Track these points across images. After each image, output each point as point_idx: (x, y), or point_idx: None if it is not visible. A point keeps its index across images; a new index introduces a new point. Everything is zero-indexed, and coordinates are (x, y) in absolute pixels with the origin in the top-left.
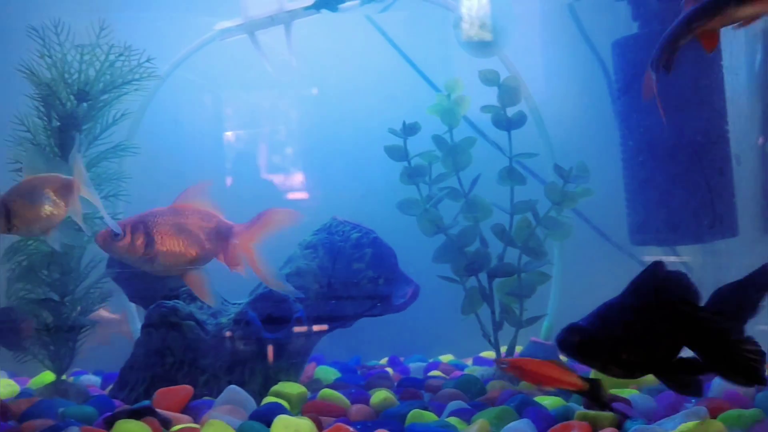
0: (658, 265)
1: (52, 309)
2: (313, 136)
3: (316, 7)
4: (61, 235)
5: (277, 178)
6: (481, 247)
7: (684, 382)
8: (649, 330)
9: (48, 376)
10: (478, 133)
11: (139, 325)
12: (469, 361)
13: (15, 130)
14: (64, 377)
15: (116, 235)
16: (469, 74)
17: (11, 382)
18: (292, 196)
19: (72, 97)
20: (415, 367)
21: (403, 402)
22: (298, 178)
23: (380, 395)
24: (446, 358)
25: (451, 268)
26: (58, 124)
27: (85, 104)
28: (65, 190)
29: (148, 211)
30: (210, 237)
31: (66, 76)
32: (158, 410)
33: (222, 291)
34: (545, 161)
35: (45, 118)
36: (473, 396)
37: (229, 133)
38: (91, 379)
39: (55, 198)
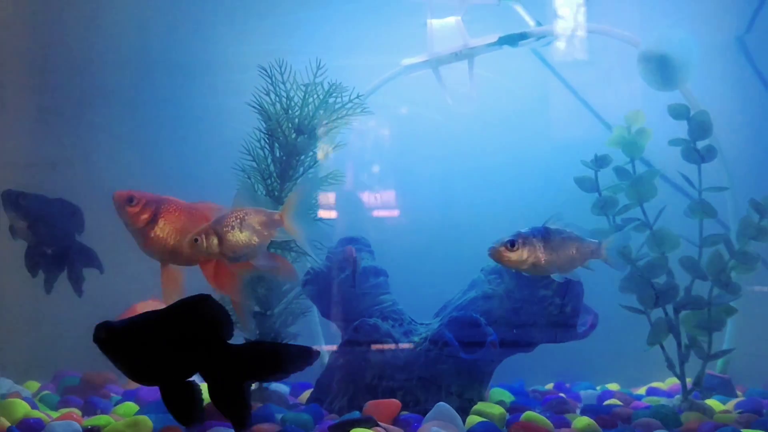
0: (206, 297)
1: (258, 321)
2: (493, 164)
3: (498, 43)
4: (263, 261)
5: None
6: (669, 279)
7: (183, 407)
8: (169, 347)
9: None
10: (646, 164)
11: (323, 341)
12: (641, 391)
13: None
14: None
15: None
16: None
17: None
18: (473, 219)
19: (292, 131)
20: (585, 394)
21: (606, 430)
22: (480, 203)
23: (583, 421)
24: (613, 386)
25: (637, 299)
26: (280, 154)
27: (303, 137)
28: (270, 223)
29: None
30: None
31: (289, 111)
32: (379, 422)
33: (409, 310)
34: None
35: (268, 148)
36: (670, 426)
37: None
38: (281, 387)
39: (260, 229)
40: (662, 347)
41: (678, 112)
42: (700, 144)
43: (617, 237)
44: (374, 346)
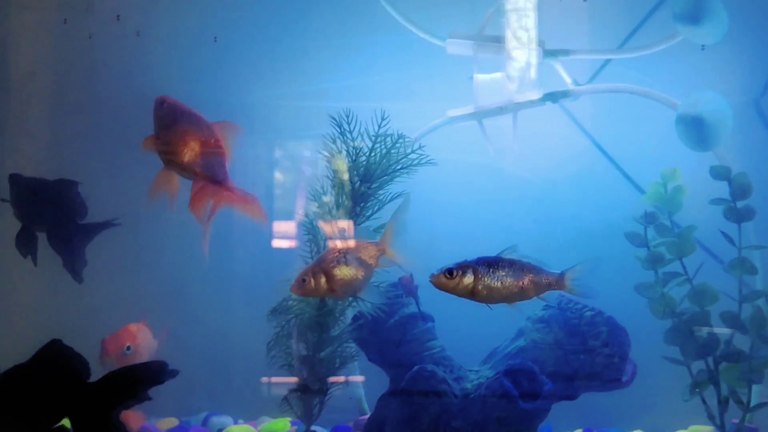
0: (55, 342)
1: (309, 365)
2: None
3: (542, 100)
4: (369, 295)
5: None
6: (711, 332)
7: None
8: (30, 398)
9: (278, 424)
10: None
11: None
12: None
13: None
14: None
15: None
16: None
17: (249, 428)
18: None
19: (357, 179)
20: None
21: None
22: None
23: None
24: None
25: (680, 351)
26: (347, 201)
27: (367, 185)
28: (373, 253)
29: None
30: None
31: (357, 160)
32: None
33: (455, 355)
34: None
35: (335, 194)
36: None
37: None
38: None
39: (364, 260)
40: (702, 398)
41: (719, 173)
42: (740, 204)
43: (582, 268)
44: (431, 393)
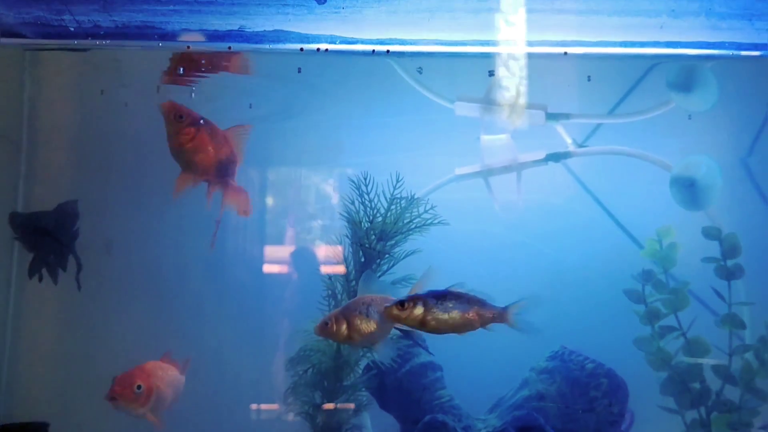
0: None
1: (327, 415)
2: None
3: (545, 160)
4: (385, 348)
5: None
6: (704, 384)
7: None
8: None
9: None
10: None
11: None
12: None
13: None
14: None
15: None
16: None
17: None
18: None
19: (374, 238)
20: None
21: None
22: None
23: None
24: None
25: (675, 401)
26: (362, 258)
27: (383, 243)
28: None
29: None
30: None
31: (372, 220)
32: None
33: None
34: None
35: (352, 252)
36: None
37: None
38: None
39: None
40: None
41: (711, 234)
42: (730, 262)
43: (524, 304)
44: None
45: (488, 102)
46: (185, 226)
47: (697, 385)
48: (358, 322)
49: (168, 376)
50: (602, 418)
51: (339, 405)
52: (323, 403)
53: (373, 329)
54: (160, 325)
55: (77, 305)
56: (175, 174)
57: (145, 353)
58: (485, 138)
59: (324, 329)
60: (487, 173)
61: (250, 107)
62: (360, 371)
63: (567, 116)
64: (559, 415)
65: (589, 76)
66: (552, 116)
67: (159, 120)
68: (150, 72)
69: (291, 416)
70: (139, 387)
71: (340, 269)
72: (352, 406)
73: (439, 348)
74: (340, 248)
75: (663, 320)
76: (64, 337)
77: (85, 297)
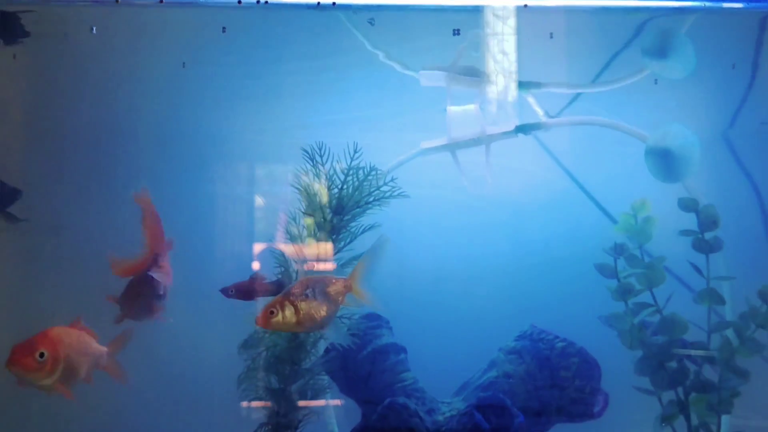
0: None
1: (279, 398)
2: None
3: (515, 131)
4: (332, 332)
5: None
6: (681, 363)
7: None
8: None
9: None
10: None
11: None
12: None
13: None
14: None
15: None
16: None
17: None
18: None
19: (329, 211)
20: None
21: None
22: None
23: None
24: None
25: (650, 381)
26: (317, 233)
27: (340, 217)
28: (340, 289)
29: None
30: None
31: (328, 192)
32: None
33: (428, 387)
34: None
35: (304, 227)
36: None
37: None
38: None
39: (331, 296)
40: (673, 428)
41: (687, 205)
42: (708, 235)
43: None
44: (402, 427)
45: (455, 71)
46: None
47: (673, 364)
48: (305, 306)
49: (79, 343)
50: (572, 398)
51: (296, 389)
52: (279, 388)
53: (323, 313)
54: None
55: None
56: None
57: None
58: (452, 110)
59: (268, 319)
60: (454, 146)
61: (183, 66)
62: (318, 353)
63: (538, 85)
64: (527, 396)
65: (551, 33)
66: (522, 85)
67: None
68: None
69: (245, 404)
70: (41, 354)
71: (292, 245)
72: (309, 390)
73: (404, 329)
74: (285, 220)
75: (637, 297)
76: None
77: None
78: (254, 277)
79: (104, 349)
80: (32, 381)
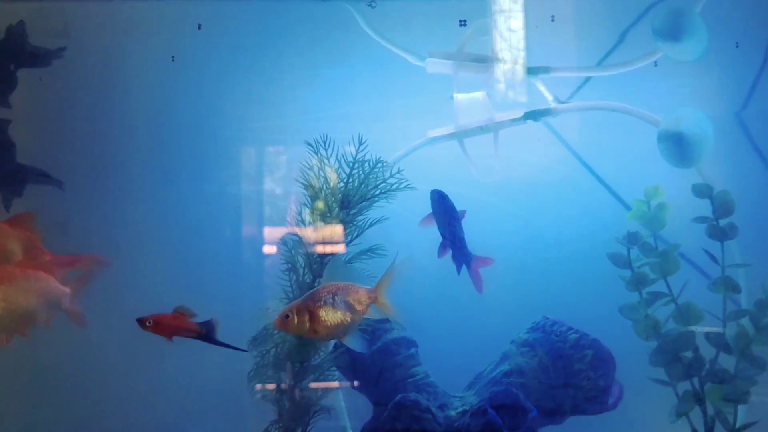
0: None
1: (291, 396)
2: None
3: (523, 118)
4: (354, 340)
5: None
6: (697, 353)
7: None
8: None
9: None
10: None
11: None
12: None
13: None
14: None
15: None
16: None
17: None
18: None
19: (335, 205)
20: None
21: None
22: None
23: None
24: None
25: (665, 372)
26: (323, 225)
27: (346, 211)
28: (364, 300)
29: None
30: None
31: (333, 185)
32: None
33: (442, 383)
34: None
35: (312, 222)
36: None
37: None
38: None
39: (353, 305)
40: (688, 418)
41: (701, 191)
42: (723, 222)
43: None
44: (413, 423)
45: (462, 58)
46: None
47: (689, 355)
48: (323, 313)
49: (33, 284)
50: (586, 390)
51: (306, 385)
52: (289, 384)
53: (339, 321)
54: None
55: None
56: None
57: None
58: (459, 97)
59: (284, 323)
60: (461, 134)
61: (173, 60)
62: (329, 349)
63: (546, 70)
64: (541, 390)
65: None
66: (531, 71)
67: None
68: None
69: (255, 400)
70: None
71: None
72: (319, 385)
73: (414, 322)
74: (293, 214)
75: (651, 286)
76: None
77: None
78: (179, 312)
79: (66, 290)
80: None
